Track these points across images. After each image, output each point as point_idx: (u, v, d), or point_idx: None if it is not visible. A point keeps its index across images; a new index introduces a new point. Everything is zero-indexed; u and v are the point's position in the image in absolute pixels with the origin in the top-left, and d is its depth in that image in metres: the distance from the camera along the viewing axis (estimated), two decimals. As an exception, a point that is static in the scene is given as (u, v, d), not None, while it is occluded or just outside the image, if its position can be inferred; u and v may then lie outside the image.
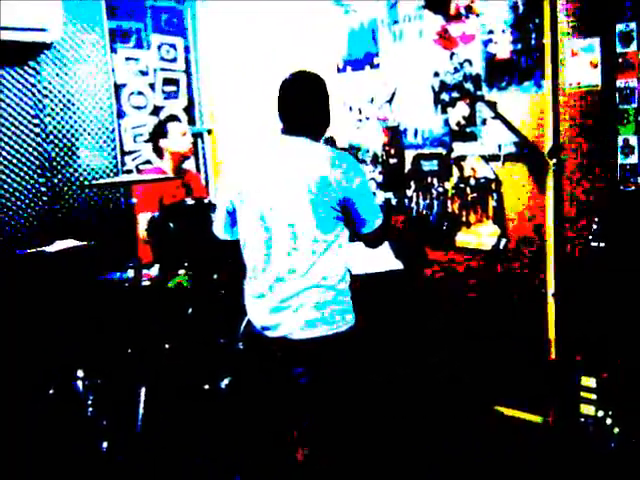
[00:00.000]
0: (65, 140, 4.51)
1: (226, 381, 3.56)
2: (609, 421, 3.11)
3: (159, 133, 4.33)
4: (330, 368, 2.61)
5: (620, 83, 3.17)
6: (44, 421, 3.47)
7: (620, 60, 3.16)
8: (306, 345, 2.57)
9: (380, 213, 2.65)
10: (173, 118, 4.50)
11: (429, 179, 4.03)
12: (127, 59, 4.84)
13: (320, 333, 2.55)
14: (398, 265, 3.81)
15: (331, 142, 2.82)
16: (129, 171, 4.84)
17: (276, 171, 2.59)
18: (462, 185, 3.87)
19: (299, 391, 2.62)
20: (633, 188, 3.19)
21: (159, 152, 4.37)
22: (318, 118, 2.72)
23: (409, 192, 4.14)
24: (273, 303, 2.59)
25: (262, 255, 2.63)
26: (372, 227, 2.63)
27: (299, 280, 2.55)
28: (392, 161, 4.21)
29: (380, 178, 4.28)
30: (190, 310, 3.64)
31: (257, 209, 2.62)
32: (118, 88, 4.80)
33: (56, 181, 4.47)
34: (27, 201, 4.32)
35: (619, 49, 3.15)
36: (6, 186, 4.22)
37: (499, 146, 3.67)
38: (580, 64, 3.28)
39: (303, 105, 2.67)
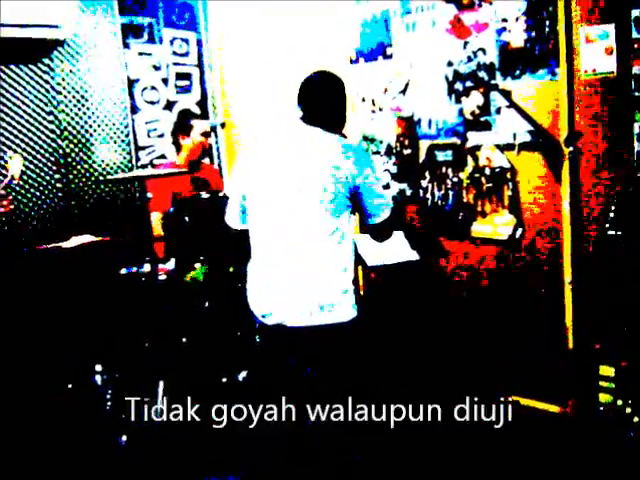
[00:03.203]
0: (79, 136, 4.54)
1: (243, 374, 3.57)
2: (628, 410, 3.10)
3: (184, 129, 4.38)
4: (332, 357, 2.61)
5: (636, 70, 3.13)
6: (63, 415, 3.50)
7: (636, 46, 3.12)
8: (307, 333, 2.57)
9: (388, 206, 2.66)
10: (192, 115, 4.55)
11: (444, 169, 4.01)
12: (140, 54, 4.85)
13: (321, 321, 2.55)
14: (414, 256, 3.80)
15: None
16: (143, 166, 4.87)
17: (288, 158, 2.62)
18: (477, 175, 3.85)
19: (303, 380, 2.62)
20: (650, 175, 3.17)
21: (178, 146, 4.40)
22: (336, 115, 2.79)
23: (424, 183, 4.12)
24: (275, 289, 2.61)
25: (268, 241, 2.65)
26: (378, 220, 2.64)
27: (302, 267, 2.56)
28: (406, 152, 4.19)
29: (394, 169, 4.27)
30: (207, 304, 3.65)
31: (267, 194, 2.65)
32: (131, 83, 4.82)
33: (71, 177, 4.50)
34: (43, 197, 4.36)
35: (635, 35, 3.12)
36: (22, 182, 4.25)
37: (514, 135, 3.65)
38: (595, 51, 3.25)
39: (325, 100, 2.74)
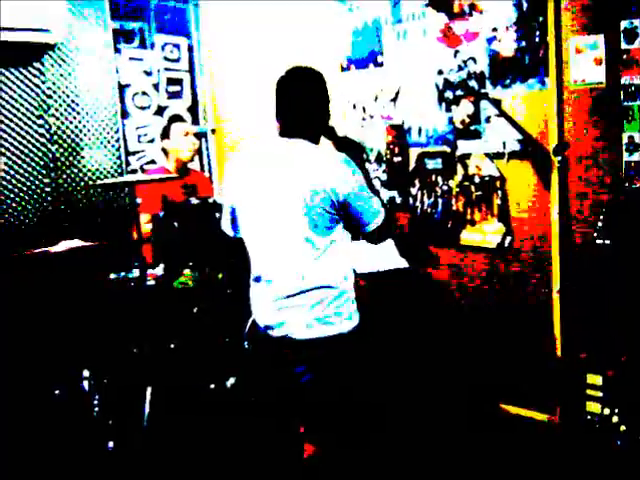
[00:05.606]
0: (69, 140, 4.53)
1: (232, 380, 3.57)
2: (615, 419, 3.10)
3: (164, 134, 4.36)
4: (332, 368, 2.60)
5: (625, 80, 3.16)
6: (51, 421, 3.48)
7: (625, 57, 3.14)
8: (308, 345, 2.56)
9: (380, 211, 2.61)
10: (176, 119, 4.51)
11: (433, 177, 4.02)
12: (131, 59, 4.85)
13: (322, 333, 2.54)
14: (403, 263, 3.81)
15: (331, 132, 2.79)
16: (133, 171, 4.86)
17: (273, 175, 2.56)
18: (467, 183, 3.87)
19: (301, 390, 2.62)
20: (638, 185, 3.18)
21: (166, 152, 4.39)
22: (316, 116, 2.66)
23: (413, 190, 4.13)
24: (276, 303, 2.59)
25: (263, 257, 2.64)
26: (373, 227, 2.62)
27: (301, 281, 2.54)
28: (396, 159, 4.20)
29: (384, 177, 4.28)
30: (195, 309, 3.64)
31: (255, 212, 2.61)
32: (122, 88, 4.81)
33: (61, 181, 4.49)
34: (32, 201, 4.34)
35: (624, 46, 3.14)
36: (11, 186, 4.24)
37: (503, 144, 3.66)
38: (584, 61, 3.27)
39: (301, 103, 2.62)
